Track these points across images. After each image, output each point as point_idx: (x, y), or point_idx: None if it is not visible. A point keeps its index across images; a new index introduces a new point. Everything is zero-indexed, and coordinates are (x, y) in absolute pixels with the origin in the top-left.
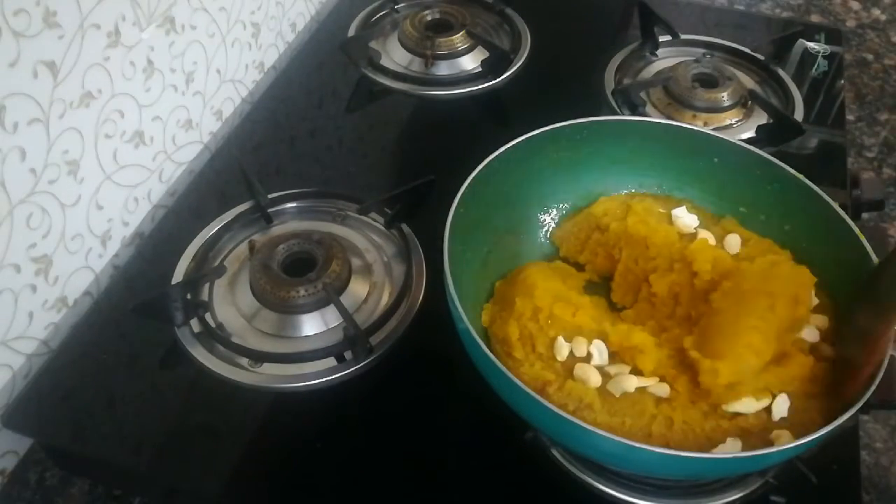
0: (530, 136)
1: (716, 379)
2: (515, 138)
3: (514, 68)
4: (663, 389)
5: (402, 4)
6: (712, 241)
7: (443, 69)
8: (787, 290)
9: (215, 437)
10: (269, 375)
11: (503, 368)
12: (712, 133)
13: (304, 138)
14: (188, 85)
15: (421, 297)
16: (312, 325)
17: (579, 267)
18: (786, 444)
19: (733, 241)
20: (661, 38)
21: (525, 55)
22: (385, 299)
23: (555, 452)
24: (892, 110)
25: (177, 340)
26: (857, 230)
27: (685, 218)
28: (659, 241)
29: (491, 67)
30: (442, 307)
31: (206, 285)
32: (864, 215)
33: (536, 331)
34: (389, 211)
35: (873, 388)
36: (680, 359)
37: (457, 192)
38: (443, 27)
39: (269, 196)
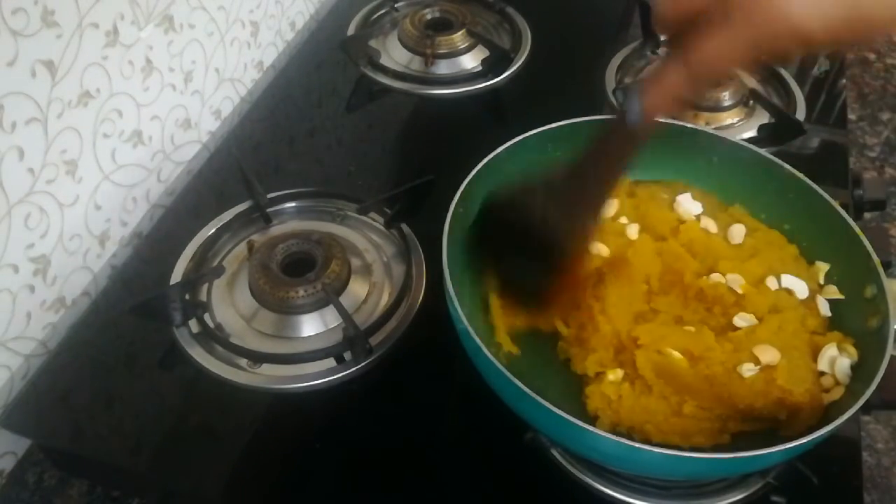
0: (530, 135)
1: None
2: (515, 137)
3: (515, 67)
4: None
5: (402, 3)
6: (713, 229)
7: (443, 68)
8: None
9: (214, 438)
10: (268, 376)
11: (503, 369)
12: (714, 132)
13: (303, 138)
14: (187, 84)
15: (421, 297)
16: (312, 326)
17: None
18: (787, 442)
19: (737, 232)
20: (663, 37)
21: (526, 54)
22: (385, 299)
23: (555, 453)
24: (894, 110)
25: (175, 341)
26: (858, 230)
27: (687, 204)
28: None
29: (491, 66)
30: (442, 307)
31: (205, 286)
32: (866, 215)
33: None
34: (389, 211)
35: (873, 387)
36: None
37: (456, 191)
38: (443, 26)
39: (268, 196)
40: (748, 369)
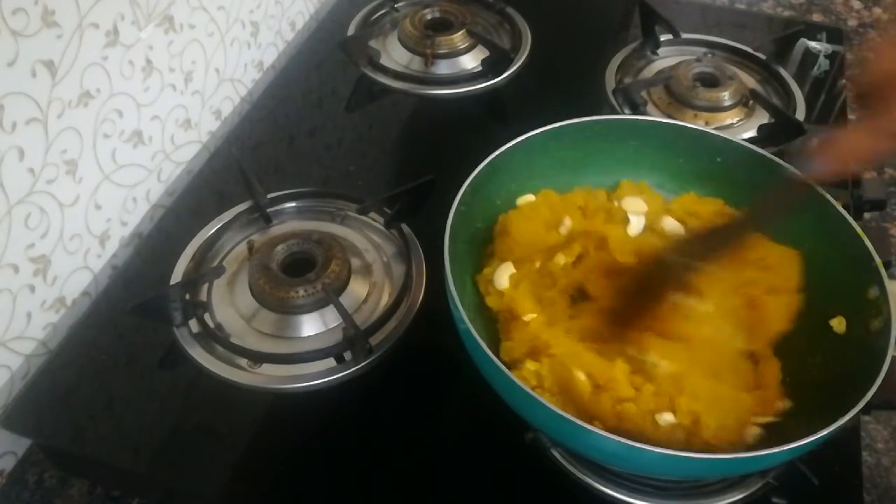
0: (531, 136)
1: None
2: (516, 138)
3: (515, 67)
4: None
5: (402, 3)
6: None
7: (443, 68)
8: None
9: (214, 438)
10: (269, 376)
11: (504, 368)
12: (713, 132)
13: (303, 138)
14: (187, 84)
15: (421, 297)
16: (312, 326)
17: None
18: (787, 443)
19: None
20: (662, 38)
21: (525, 54)
22: (385, 299)
23: (555, 453)
24: None
25: (175, 341)
26: (859, 230)
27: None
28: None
29: (491, 66)
30: (442, 307)
31: (205, 286)
32: (866, 215)
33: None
34: (389, 211)
35: (874, 388)
36: None
37: (457, 191)
38: (443, 26)
39: (269, 196)
40: (666, 420)
